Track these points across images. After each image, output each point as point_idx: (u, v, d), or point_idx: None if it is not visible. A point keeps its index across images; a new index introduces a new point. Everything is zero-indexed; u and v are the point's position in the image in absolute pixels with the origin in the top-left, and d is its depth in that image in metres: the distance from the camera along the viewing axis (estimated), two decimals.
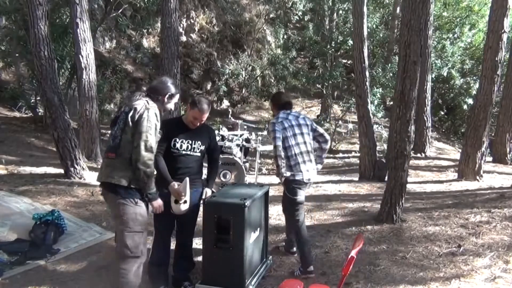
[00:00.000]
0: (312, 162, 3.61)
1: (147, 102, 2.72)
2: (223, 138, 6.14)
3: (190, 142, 3.21)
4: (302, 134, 3.57)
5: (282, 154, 3.42)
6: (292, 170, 3.48)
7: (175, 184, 3.04)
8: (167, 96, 2.83)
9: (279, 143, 3.44)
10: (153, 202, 2.77)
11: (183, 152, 3.19)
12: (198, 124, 3.22)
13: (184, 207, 3.08)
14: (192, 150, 3.22)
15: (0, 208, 4.54)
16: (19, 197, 5.00)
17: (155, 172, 2.87)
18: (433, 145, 11.08)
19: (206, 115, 3.21)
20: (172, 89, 2.86)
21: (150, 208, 2.81)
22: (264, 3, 13.95)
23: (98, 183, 2.82)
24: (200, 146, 3.25)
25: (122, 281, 2.67)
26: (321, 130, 3.71)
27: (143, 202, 2.72)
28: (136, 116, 2.63)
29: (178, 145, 3.18)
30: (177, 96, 2.93)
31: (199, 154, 3.27)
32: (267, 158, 10.21)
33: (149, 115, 2.64)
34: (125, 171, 2.63)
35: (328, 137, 3.75)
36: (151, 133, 2.63)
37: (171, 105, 2.90)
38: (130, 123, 2.64)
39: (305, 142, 3.56)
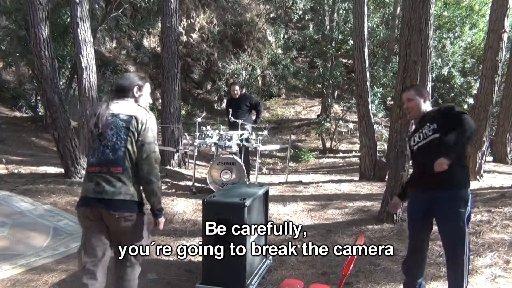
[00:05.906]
0: None
1: (145, 110, 2.60)
2: (221, 137, 6.14)
3: None
4: None
5: None
6: None
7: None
8: (135, 89, 2.64)
9: None
10: (159, 219, 2.59)
11: None
12: None
13: None
14: None
15: (0, 208, 4.54)
16: (19, 196, 5.00)
17: None
18: None
19: None
20: (138, 81, 2.68)
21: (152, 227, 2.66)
22: (265, 2, 13.93)
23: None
24: None
25: None
26: None
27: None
28: (140, 126, 2.49)
29: None
30: (147, 86, 2.72)
31: None
32: (267, 157, 10.22)
33: (152, 124, 2.53)
34: (134, 185, 2.49)
35: None
36: (156, 143, 2.54)
37: (146, 98, 2.71)
38: (135, 133, 2.49)
39: None
